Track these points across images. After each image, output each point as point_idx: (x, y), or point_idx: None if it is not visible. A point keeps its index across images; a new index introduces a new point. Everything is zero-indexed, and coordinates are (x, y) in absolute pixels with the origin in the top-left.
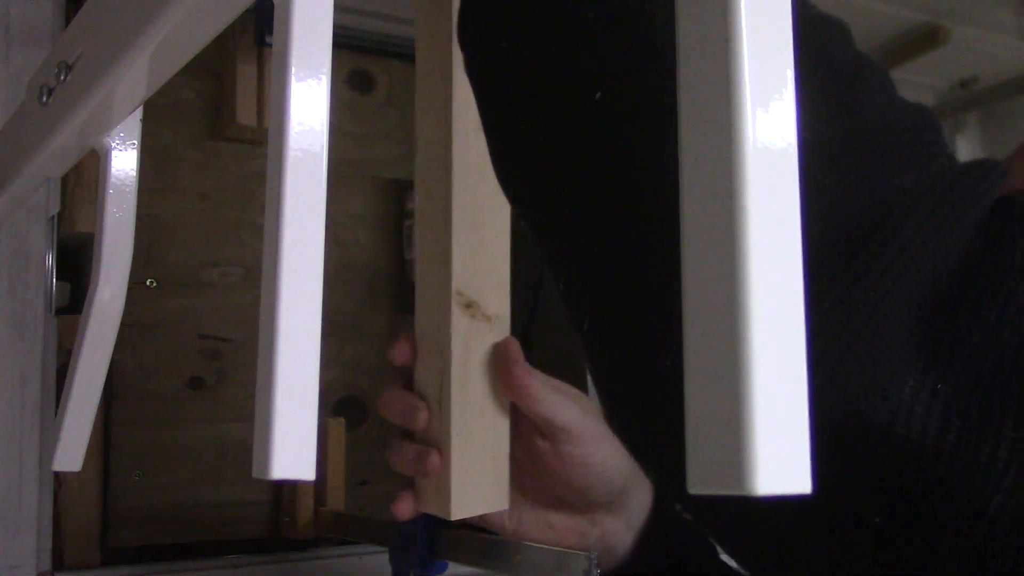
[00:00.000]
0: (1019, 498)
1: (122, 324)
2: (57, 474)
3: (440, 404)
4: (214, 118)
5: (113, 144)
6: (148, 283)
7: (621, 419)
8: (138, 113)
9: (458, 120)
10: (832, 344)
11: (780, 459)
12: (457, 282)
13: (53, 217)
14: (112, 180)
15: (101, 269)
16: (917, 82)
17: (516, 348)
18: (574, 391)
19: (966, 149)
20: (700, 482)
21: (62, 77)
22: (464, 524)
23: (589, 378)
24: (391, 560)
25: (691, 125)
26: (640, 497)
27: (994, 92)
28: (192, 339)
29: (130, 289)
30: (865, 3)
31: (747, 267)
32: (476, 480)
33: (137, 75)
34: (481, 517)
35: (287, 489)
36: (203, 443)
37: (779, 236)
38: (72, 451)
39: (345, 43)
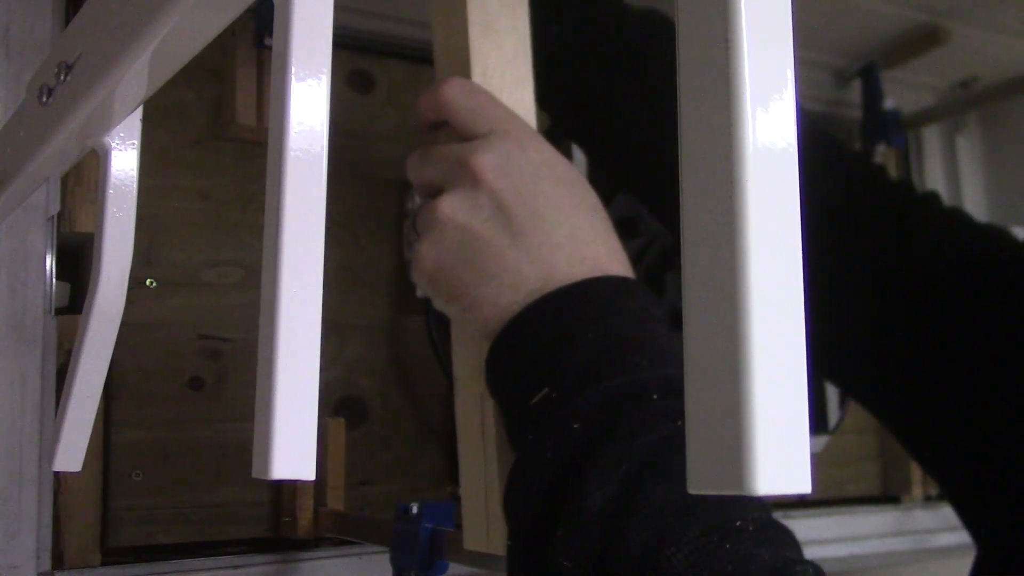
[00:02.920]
0: None
1: (122, 324)
2: (57, 474)
3: (482, 433)
4: (214, 118)
5: (113, 144)
6: (148, 283)
7: None
8: (138, 113)
9: None
10: None
11: (780, 459)
12: None
13: (53, 217)
14: (112, 180)
15: (101, 269)
16: (917, 82)
17: None
18: None
19: (966, 149)
20: (700, 482)
21: (62, 77)
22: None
23: None
24: (392, 560)
25: (691, 125)
26: None
27: (994, 92)
28: (192, 339)
29: (130, 289)
30: (865, 3)
31: (747, 267)
32: None
33: (137, 75)
34: None
35: (287, 489)
36: (203, 443)
37: (779, 236)
38: (72, 451)
39: (345, 43)
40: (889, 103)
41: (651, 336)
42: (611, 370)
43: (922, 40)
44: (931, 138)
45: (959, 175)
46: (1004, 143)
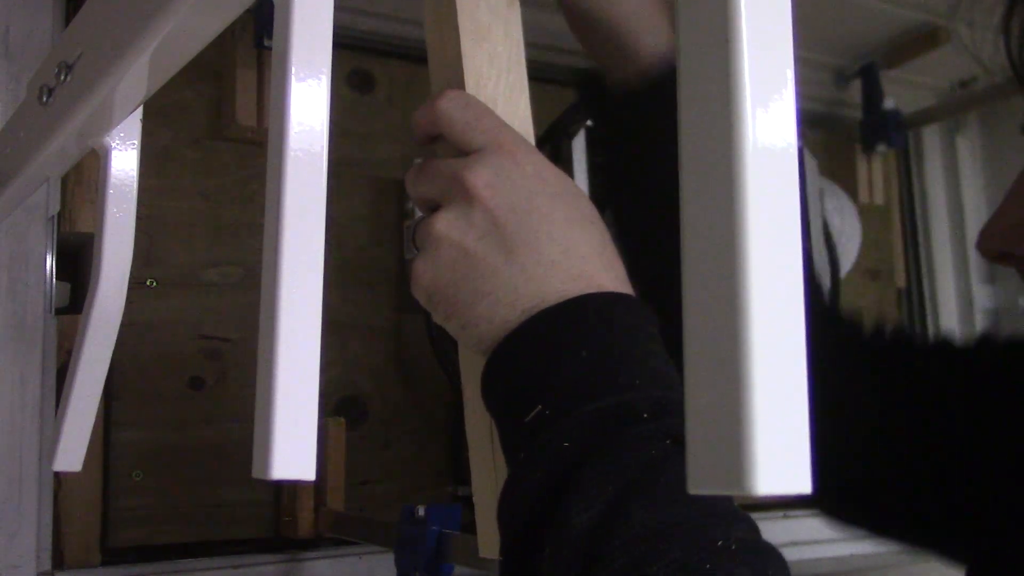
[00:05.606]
0: None
1: (122, 324)
2: (57, 474)
3: (491, 442)
4: (214, 118)
5: (113, 144)
6: (148, 283)
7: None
8: (138, 113)
9: None
10: None
11: (780, 459)
12: None
13: (53, 217)
14: (112, 180)
15: (101, 269)
16: (917, 82)
17: None
18: None
19: (966, 149)
20: (700, 482)
21: (62, 77)
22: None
23: None
24: (396, 562)
25: (691, 125)
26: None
27: (994, 92)
28: (192, 339)
29: (130, 289)
30: (865, 3)
31: (747, 267)
32: None
33: (137, 75)
34: None
35: (287, 489)
36: (203, 443)
37: (779, 236)
38: (72, 451)
39: (345, 43)
40: (889, 103)
41: (644, 355)
42: (603, 389)
43: (922, 40)
44: (931, 138)
45: (959, 175)
46: (1004, 143)
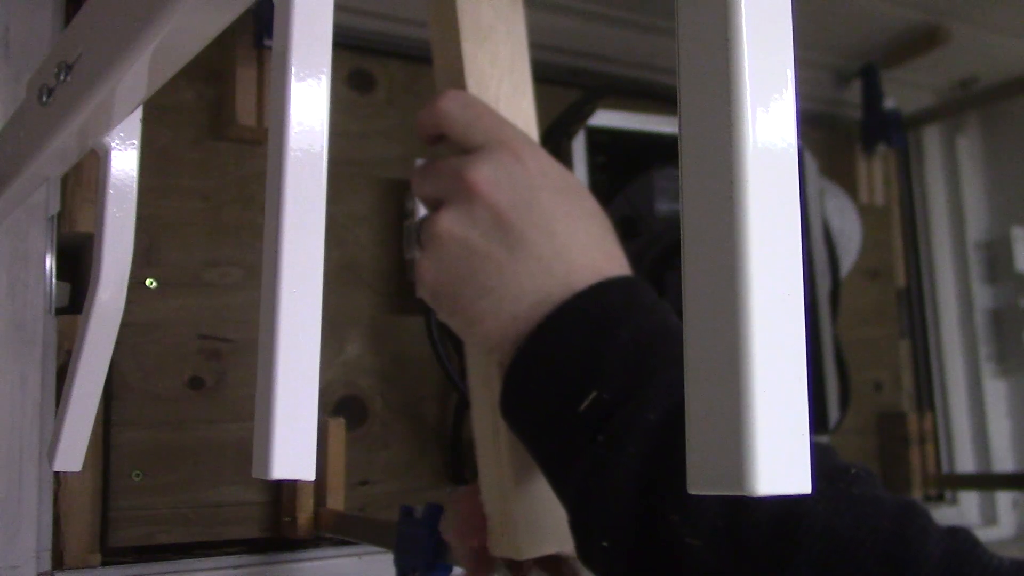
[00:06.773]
0: None
1: (122, 324)
2: (57, 474)
3: (496, 441)
4: (214, 118)
5: (113, 144)
6: (148, 283)
7: None
8: (138, 113)
9: None
10: None
11: (780, 459)
12: None
13: (53, 217)
14: (112, 180)
15: (101, 269)
16: (917, 82)
17: None
18: None
19: (966, 149)
20: (700, 482)
21: (62, 77)
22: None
23: None
24: (396, 563)
25: (691, 125)
26: None
27: (994, 92)
28: (192, 339)
29: (130, 289)
30: (865, 3)
31: (747, 267)
32: (542, 518)
33: (137, 75)
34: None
35: (287, 489)
36: (203, 443)
37: (779, 236)
38: (72, 451)
39: (345, 43)
40: (889, 103)
41: (678, 327)
42: (659, 362)
43: (922, 40)
44: (931, 138)
45: (959, 175)
46: (1004, 143)
